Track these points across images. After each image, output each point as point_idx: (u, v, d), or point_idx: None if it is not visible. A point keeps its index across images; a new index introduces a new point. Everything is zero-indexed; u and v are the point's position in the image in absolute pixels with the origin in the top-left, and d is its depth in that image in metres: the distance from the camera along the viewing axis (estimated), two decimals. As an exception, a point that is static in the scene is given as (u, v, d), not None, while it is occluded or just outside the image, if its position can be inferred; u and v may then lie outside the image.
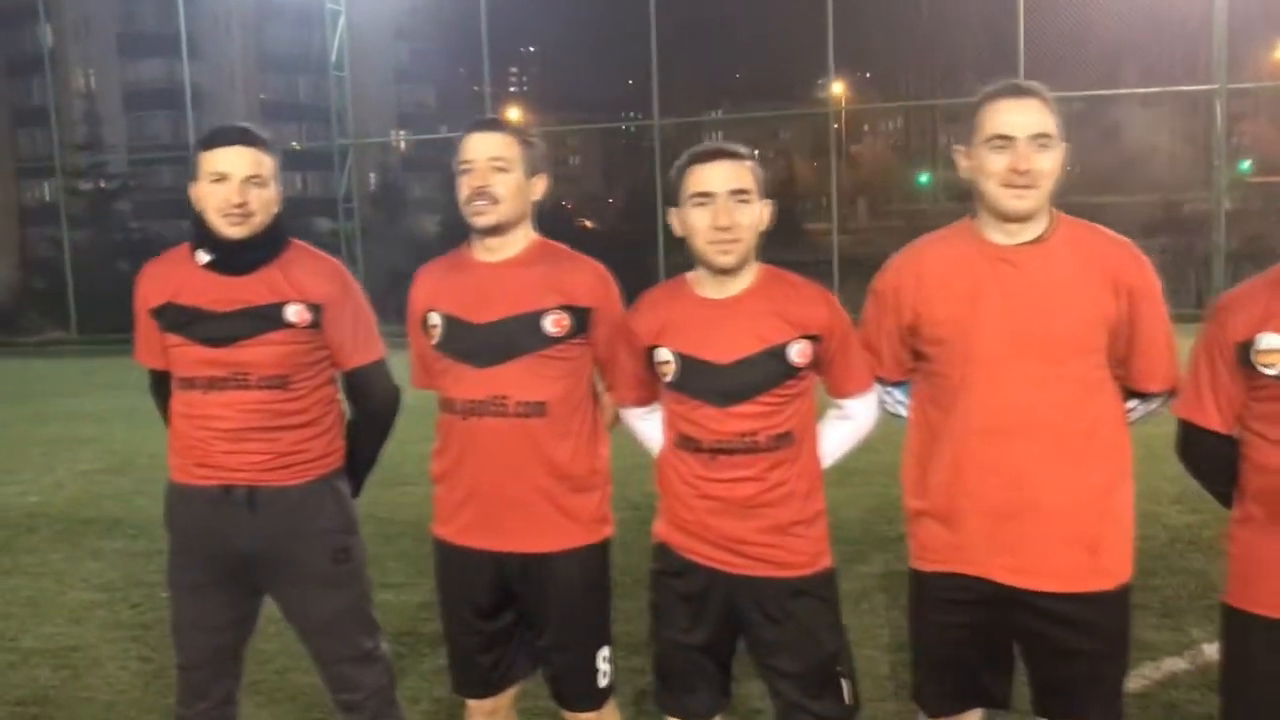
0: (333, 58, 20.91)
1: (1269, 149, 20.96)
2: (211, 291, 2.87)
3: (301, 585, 2.96)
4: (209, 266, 2.88)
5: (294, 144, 27.16)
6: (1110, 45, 16.97)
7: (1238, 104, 16.87)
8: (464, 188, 2.71)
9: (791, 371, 2.55)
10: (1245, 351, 2.24)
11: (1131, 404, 2.51)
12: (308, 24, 24.00)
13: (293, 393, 2.90)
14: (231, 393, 2.85)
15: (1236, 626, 2.31)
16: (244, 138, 2.82)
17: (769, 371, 2.53)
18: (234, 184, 2.79)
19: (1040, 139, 2.38)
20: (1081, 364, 2.41)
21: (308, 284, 2.90)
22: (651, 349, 2.64)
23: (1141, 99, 18.30)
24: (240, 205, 2.79)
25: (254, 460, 2.88)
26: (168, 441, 3.02)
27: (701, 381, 2.56)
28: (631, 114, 32.89)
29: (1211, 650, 3.48)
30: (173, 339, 2.90)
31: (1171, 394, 2.46)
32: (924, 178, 33.65)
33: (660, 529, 2.71)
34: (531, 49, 26.53)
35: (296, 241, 2.97)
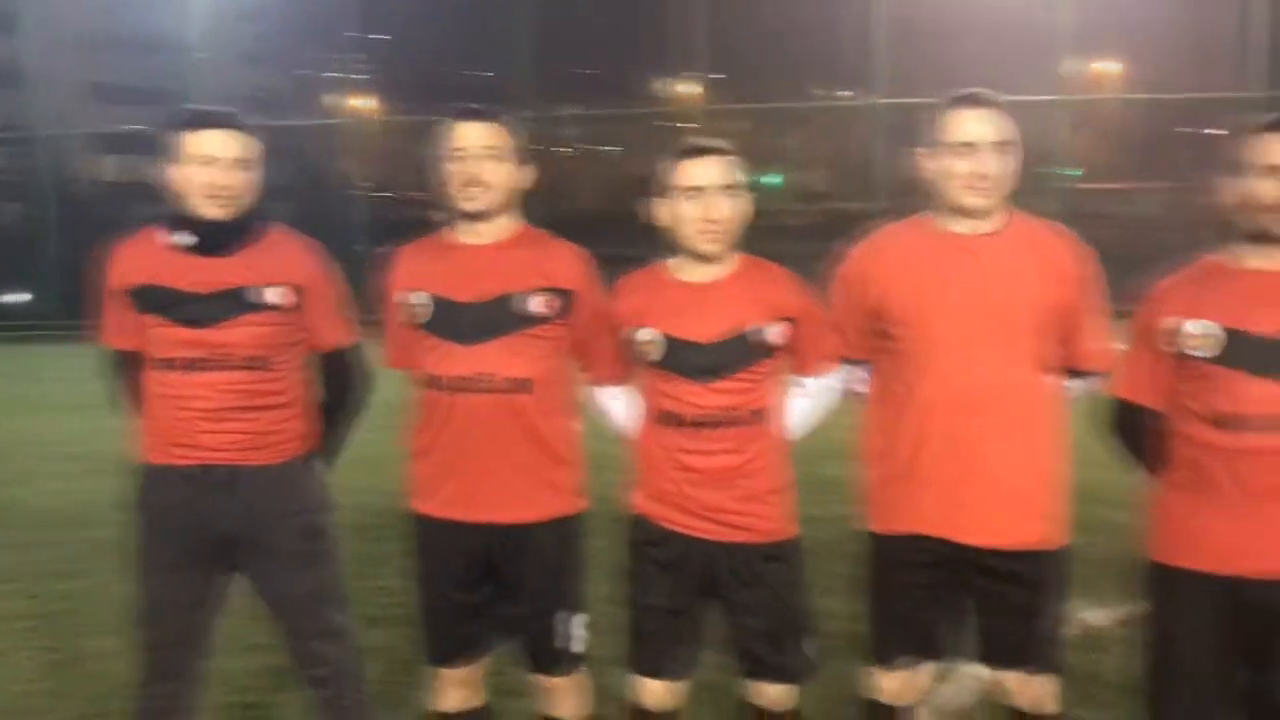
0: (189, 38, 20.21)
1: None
2: (193, 273, 2.92)
3: (278, 563, 3.04)
4: (189, 249, 2.93)
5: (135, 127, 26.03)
6: (967, 55, 17.76)
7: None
8: (456, 175, 2.85)
9: (768, 351, 2.78)
10: (1174, 336, 2.57)
11: (1070, 383, 2.83)
12: (154, 3, 23.08)
13: (273, 373, 2.98)
14: (213, 373, 2.92)
15: (1163, 580, 2.64)
16: (231, 121, 2.89)
17: (747, 351, 2.76)
18: (222, 166, 2.85)
19: (1000, 145, 2.68)
20: (1031, 345, 2.71)
21: (291, 266, 2.99)
22: (634, 329, 2.83)
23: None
24: (228, 189, 2.86)
25: (234, 440, 2.95)
26: (138, 423, 3.05)
27: (684, 360, 2.77)
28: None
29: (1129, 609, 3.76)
30: (151, 320, 2.94)
31: (1107, 374, 2.79)
32: (774, 179, 34.50)
33: (639, 501, 2.90)
34: (386, 37, 25.90)
35: (278, 224, 3.05)
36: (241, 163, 2.89)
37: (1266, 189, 2.43)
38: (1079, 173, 19.42)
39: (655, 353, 2.80)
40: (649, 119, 22.65)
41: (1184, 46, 17.74)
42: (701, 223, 2.73)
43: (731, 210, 2.76)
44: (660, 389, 2.82)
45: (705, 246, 2.76)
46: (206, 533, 2.99)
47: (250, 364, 2.93)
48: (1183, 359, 2.56)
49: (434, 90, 21.01)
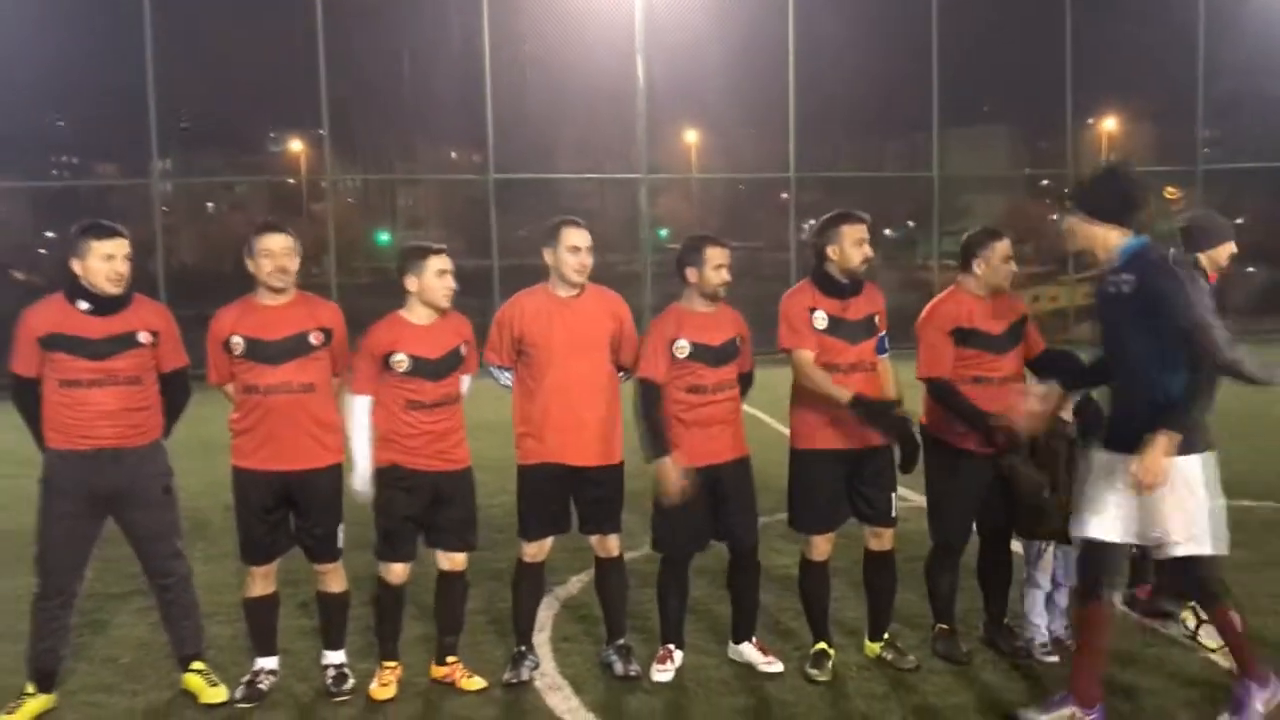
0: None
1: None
2: (90, 327, 4.80)
3: (144, 508, 4.95)
4: (88, 312, 4.81)
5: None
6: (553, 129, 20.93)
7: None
8: (266, 265, 4.92)
9: (461, 361, 5.09)
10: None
11: (622, 374, 5.31)
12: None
13: (141, 386, 4.91)
14: (107, 389, 4.80)
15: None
16: (122, 232, 4.83)
17: (457, 361, 5.07)
18: (118, 261, 4.78)
19: (590, 249, 5.12)
20: (603, 356, 5.18)
21: (150, 319, 4.94)
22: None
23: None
24: (121, 275, 4.80)
25: (119, 430, 4.84)
26: (45, 424, 4.85)
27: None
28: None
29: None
30: (59, 356, 4.77)
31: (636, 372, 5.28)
32: (384, 237, 36.37)
33: (388, 454, 5.03)
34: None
35: (137, 294, 4.97)
36: (127, 257, 4.82)
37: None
38: (664, 233, 23.26)
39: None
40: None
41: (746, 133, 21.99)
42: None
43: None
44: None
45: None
46: (96, 492, 4.84)
47: (130, 381, 4.85)
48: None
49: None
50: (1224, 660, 5.00)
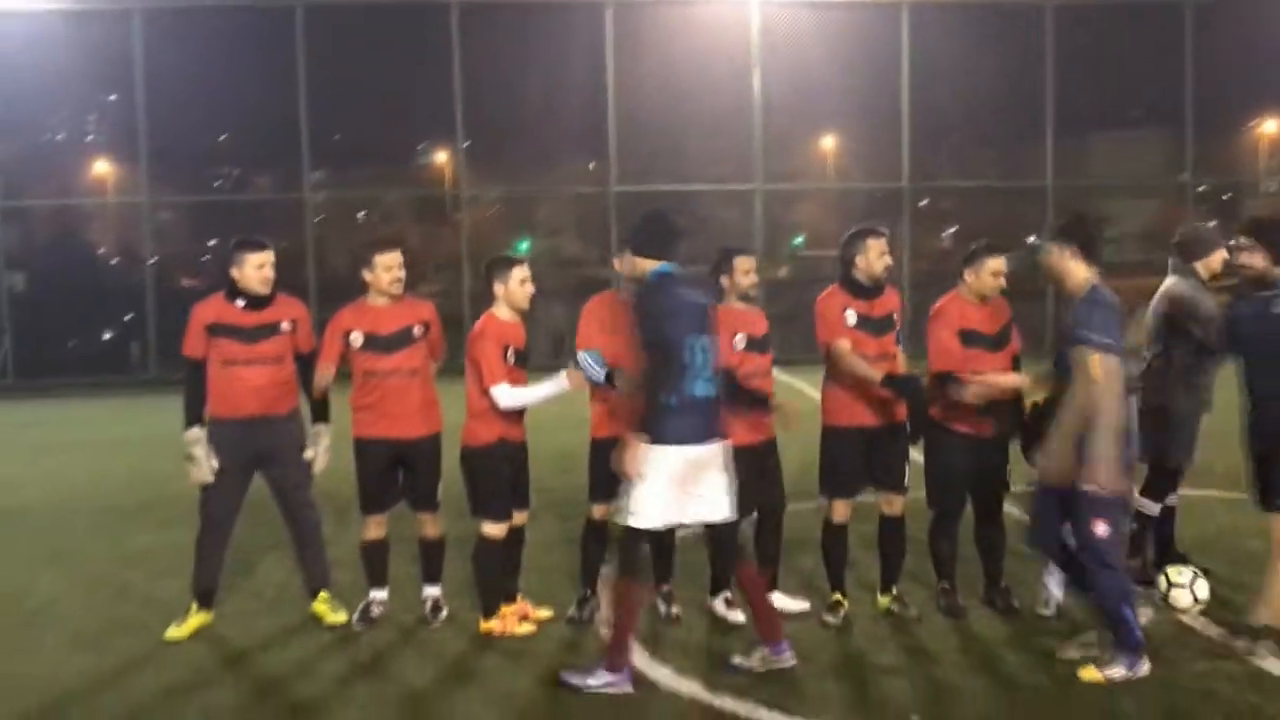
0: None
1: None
2: (244, 319, 6.19)
3: (284, 465, 6.33)
4: (243, 308, 6.19)
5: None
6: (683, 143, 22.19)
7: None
8: (385, 277, 6.20)
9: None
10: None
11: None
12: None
13: (283, 365, 6.29)
14: (256, 367, 6.19)
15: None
16: (268, 245, 6.22)
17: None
18: (266, 269, 6.17)
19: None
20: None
21: (290, 311, 6.34)
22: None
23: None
24: (268, 279, 6.18)
25: (265, 402, 6.22)
26: (209, 397, 6.23)
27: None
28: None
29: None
30: (221, 341, 6.16)
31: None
32: (523, 244, 38.17)
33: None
34: (112, 97, 27.54)
35: (279, 293, 6.34)
36: (273, 264, 6.20)
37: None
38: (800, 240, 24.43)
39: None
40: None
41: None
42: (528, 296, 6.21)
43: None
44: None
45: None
46: (247, 451, 6.21)
47: (276, 360, 6.24)
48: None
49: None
50: (1193, 622, 5.88)
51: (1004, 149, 24.73)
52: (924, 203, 23.20)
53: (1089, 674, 5.30)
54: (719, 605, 6.35)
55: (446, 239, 26.25)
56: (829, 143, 25.77)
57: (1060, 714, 5.08)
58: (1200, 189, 24.71)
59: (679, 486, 5.30)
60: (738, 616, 6.20)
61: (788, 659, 5.49)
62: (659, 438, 5.25)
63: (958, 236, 24.47)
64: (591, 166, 24.74)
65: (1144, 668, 5.28)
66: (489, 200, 28.73)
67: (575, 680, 5.37)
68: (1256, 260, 5.68)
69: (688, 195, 21.89)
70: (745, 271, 6.27)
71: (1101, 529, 5.25)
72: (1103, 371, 5.14)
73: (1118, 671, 5.26)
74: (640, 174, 21.74)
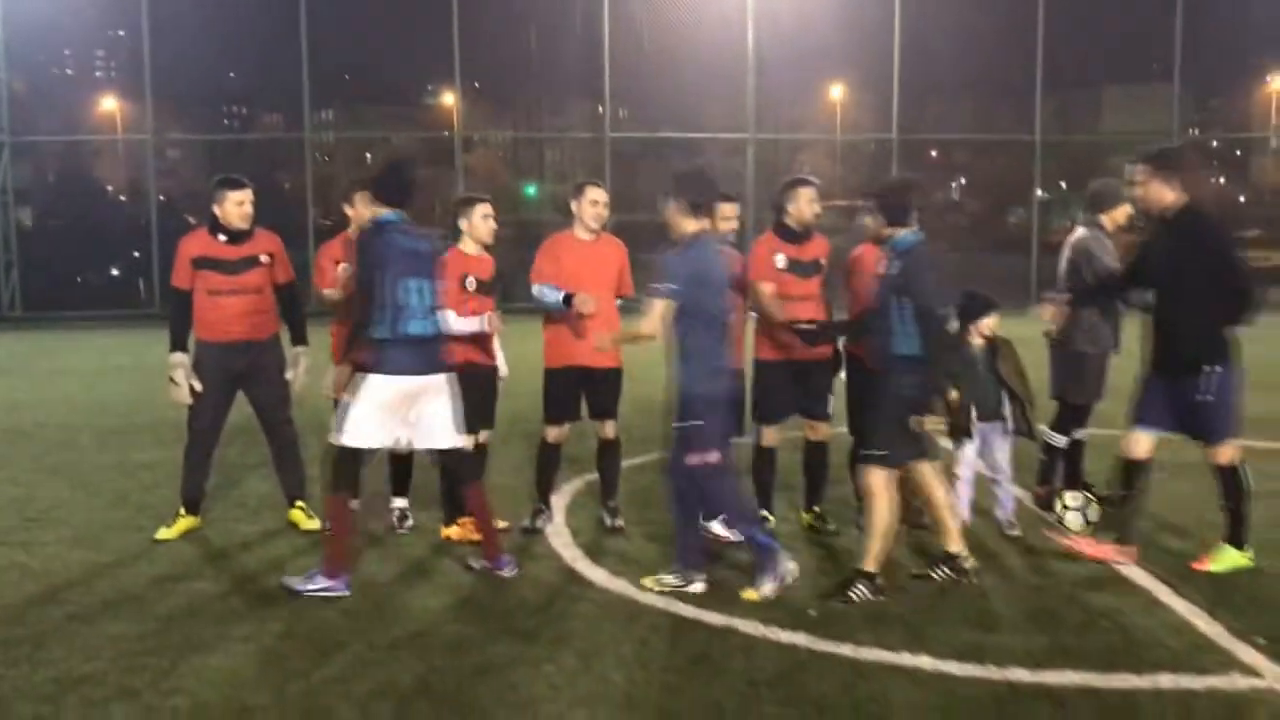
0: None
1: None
2: (226, 252, 6.89)
3: (264, 385, 7.08)
4: (225, 242, 6.87)
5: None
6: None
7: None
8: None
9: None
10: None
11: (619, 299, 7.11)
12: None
13: (262, 295, 7.00)
14: (239, 296, 6.90)
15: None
16: (248, 184, 6.90)
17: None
18: (245, 205, 6.85)
19: (606, 203, 6.93)
20: (612, 284, 6.98)
21: (268, 245, 7.04)
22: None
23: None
24: (248, 215, 6.86)
25: (246, 328, 6.95)
26: (195, 324, 6.93)
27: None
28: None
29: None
30: (205, 273, 6.86)
31: (630, 295, 7.06)
32: (531, 189, 38.61)
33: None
34: (120, 33, 27.91)
35: (258, 228, 7.01)
36: (251, 202, 6.87)
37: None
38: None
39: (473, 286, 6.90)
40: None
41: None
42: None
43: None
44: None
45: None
46: (230, 372, 6.93)
47: (258, 289, 6.94)
48: None
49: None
50: (1074, 543, 6.58)
51: (988, 103, 25.19)
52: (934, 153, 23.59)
53: (748, 594, 5.85)
54: (716, 526, 6.86)
55: (451, 181, 26.93)
56: (831, 94, 26.31)
57: (939, 610, 5.76)
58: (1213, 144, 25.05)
59: (389, 412, 5.95)
60: (734, 537, 6.62)
61: (506, 571, 6.17)
62: (373, 367, 5.89)
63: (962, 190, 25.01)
64: (619, 113, 25.33)
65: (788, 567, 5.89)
66: (492, 144, 29.28)
67: (296, 585, 5.93)
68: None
69: (683, 143, 22.48)
70: (726, 217, 6.93)
71: (694, 459, 5.89)
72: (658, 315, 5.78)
73: (768, 586, 5.84)
74: (636, 122, 22.38)
